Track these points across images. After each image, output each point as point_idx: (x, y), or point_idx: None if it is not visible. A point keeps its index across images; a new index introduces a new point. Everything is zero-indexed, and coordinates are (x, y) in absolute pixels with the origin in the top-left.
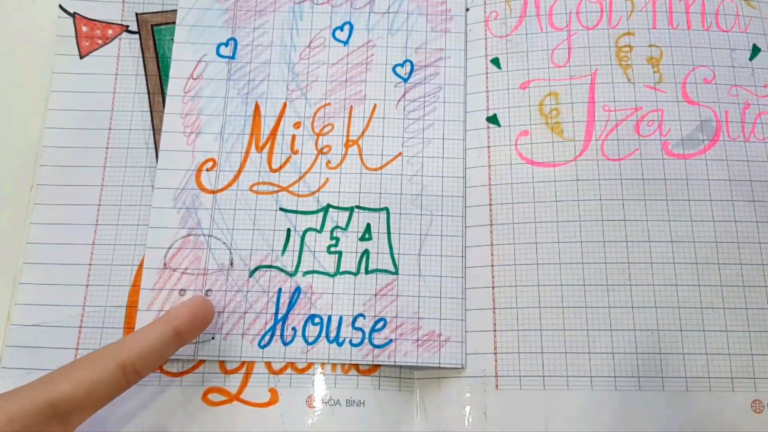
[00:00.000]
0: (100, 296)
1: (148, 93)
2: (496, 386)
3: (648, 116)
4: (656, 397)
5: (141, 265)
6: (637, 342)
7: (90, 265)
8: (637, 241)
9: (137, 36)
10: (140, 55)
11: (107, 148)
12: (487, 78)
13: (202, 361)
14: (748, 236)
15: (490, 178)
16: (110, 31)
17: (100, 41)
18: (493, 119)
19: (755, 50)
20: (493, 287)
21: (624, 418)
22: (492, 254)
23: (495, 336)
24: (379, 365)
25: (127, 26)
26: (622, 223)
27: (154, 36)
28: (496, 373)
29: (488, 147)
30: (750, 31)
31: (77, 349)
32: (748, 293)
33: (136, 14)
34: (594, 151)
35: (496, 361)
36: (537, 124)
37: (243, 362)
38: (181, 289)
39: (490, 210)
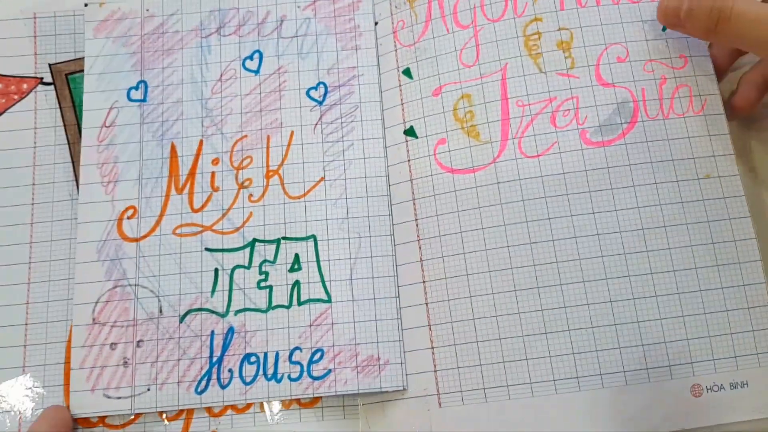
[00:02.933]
0: (38, 355)
1: (68, 143)
2: (439, 404)
3: (563, 106)
4: (597, 396)
5: None
6: (572, 342)
7: (26, 324)
8: (564, 238)
9: (52, 87)
10: (57, 105)
11: (32, 204)
12: (400, 90)
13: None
14: (673, 219)
15: (413, 193)
16: (25, 85)
17: (15, 96)
18: (410, 132)
19: None
20: (426, 304)
21: (566, 420)
22: (422, 270)
23: (433, 353)
24: (320, 397)
25: (42, 78)
26: (547, 222)
27: (69, 85)
28: (437, 391)
29: (408, 161)
30: None
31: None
32: (678, 278)
33: (50, 65)
34: (512, 150)
35: (436, 378)
36: (453, 131)
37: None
38: (112, 343)
39: (416, 225)
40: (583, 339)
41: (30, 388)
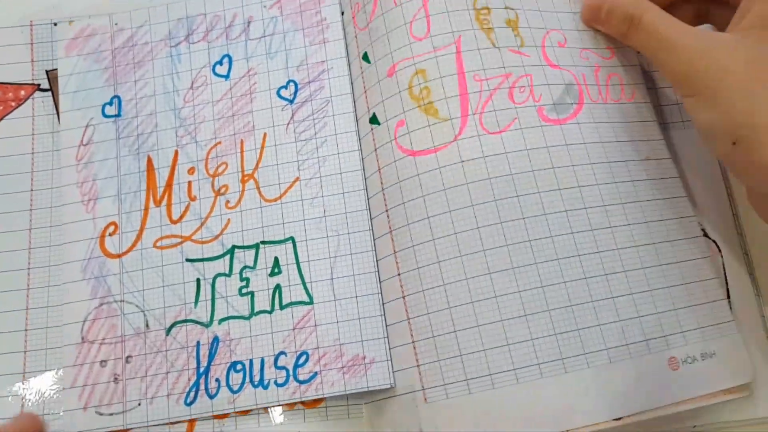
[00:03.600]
0: (39, 361)
1: None
2: (425, 400)
3: (519, 82)
4: (584, 376)
5: None
6: (553, 323)
7: (26, 330)
8: (534, 216)
9: (49, 93)
10: (54, 111)
11: (31, 210)
12: (363, 78)
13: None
14: (628, 196)
15: (382, 183)
16: (23, 92)
17: (13, 104)
18: (373, 119)
19: None
20: (403, 297)
21: (555, 404)
22: (397, 262)
23: (414, 348)
24: (324, 398)
25: (39, 84)
26: (516, 200)
27: None
28: (422, 386)
29: (375, 150)
30: None
31: None
32: (641, 253)
33: (47, 71)
34: (473, 127)
35: (419, 374)
36: (410, 110)
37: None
38: (102, 361)
39: (388, 216)
40: (564, 318)
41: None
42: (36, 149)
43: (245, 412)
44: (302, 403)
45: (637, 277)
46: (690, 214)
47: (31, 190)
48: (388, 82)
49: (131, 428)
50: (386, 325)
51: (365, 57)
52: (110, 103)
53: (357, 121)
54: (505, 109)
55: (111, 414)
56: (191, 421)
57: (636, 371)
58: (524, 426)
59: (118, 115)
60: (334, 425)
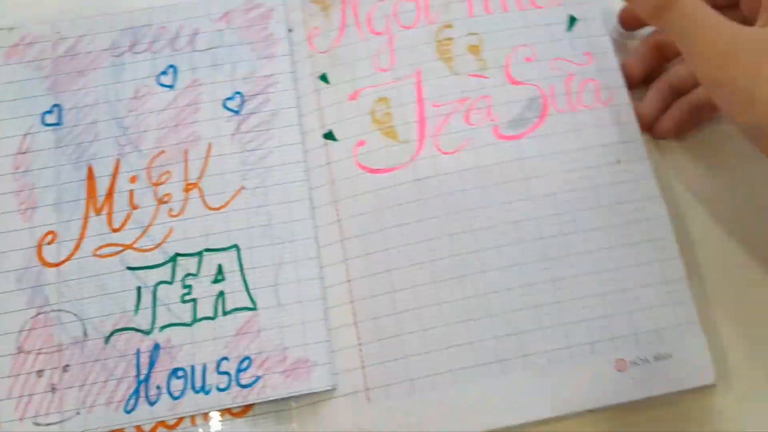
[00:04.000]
0: None
1: None
2: (368, 399)
3: (476, 104)
4: (521, 377)
5: None
6: (494, 327)
7: None
8: (482, 228)
9: None
10: None
11: None
12: (318, 95)
13: None
14: (587, 203)
15: (334, 195)
16: None
17: None
18: (329, 135)
19: (572, 20)
20: (351, 302)
21: (491, 405)
22: (347, 269)
23: (360, 350)
24: (252, 405)
25: None
26: (465, 214)
27: None
28: (365, 387)
29: (328, 164)
30: (565, 3)
31: None
32: (596, 258)
33: None
34: (429, 148)
35: (364, 375)
36: (371, 132)
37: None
38: (38, 371)
39: (339, 226)
40: (505, 323)
41: None
42: None
43: (172, 426)
44: (230, 412)
45: (588, 282)
46: (662, 214)
47: None
48: (350, 104)
49: None
50: (329, 329)
51: (323, 77)
52: (50, 112)
53: (303, 134)
54: (459, 132)
55: (48, 424)
56: None
57: (577, 372)
58: (464, 424)
59: (58, 124)
60: None
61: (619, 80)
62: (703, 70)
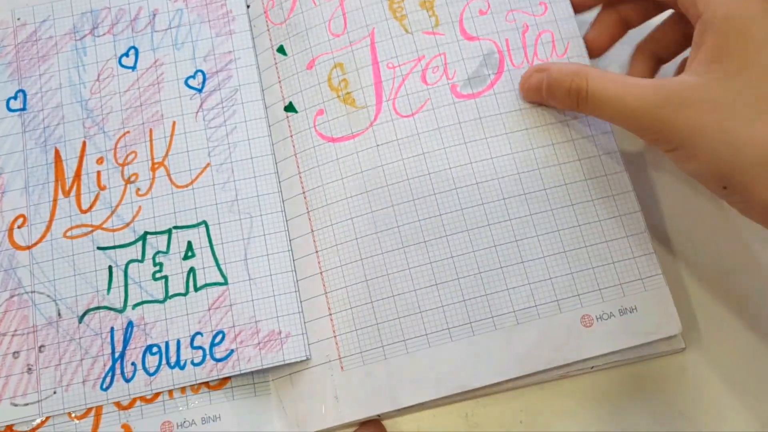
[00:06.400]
0: None
1: None
2: (342, 368)
3: (432, 63)
4: (491, 337)
5: None
6: (462, 290)
7: None
8: (445, 191)
9: None
10: None
11: None
12: (277, 68)
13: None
14: (547, 161)
15: (298, 167)
16: None
17: None
18: (289, 107)
19: None
20: (321, 272)
21: (464, 365)
22: (314, 240)
23: (332, 320)
24: (230, 377)
25: None
26: (427, 177)
27: None
28: (339, 355)
29: (291, 136)
30: None
31: None
32: (556, 216)
33: None
34: (387, 112)
35: (336, 344)
36: (329, 100)
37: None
38: (14, 352)
39: (305, 197)
40: (473, 285)
41: None
42: None
43: (150, 400)
44: (207, 385)
45: (550, 240)
46: (619, 169)
47: None
48: (307, 74)
49: (48, 416)
50: (301, 301)
51: (281, 49)
52: (14, 98)
53: (267, 108)
54: (417, 92)
55: (26, 404)
56: (97, 415)
57: (544, 330)
58: (436, 386)
59: (23, 109)
60: (241, 404)
61: (575, 31)
62: (648, 140)
